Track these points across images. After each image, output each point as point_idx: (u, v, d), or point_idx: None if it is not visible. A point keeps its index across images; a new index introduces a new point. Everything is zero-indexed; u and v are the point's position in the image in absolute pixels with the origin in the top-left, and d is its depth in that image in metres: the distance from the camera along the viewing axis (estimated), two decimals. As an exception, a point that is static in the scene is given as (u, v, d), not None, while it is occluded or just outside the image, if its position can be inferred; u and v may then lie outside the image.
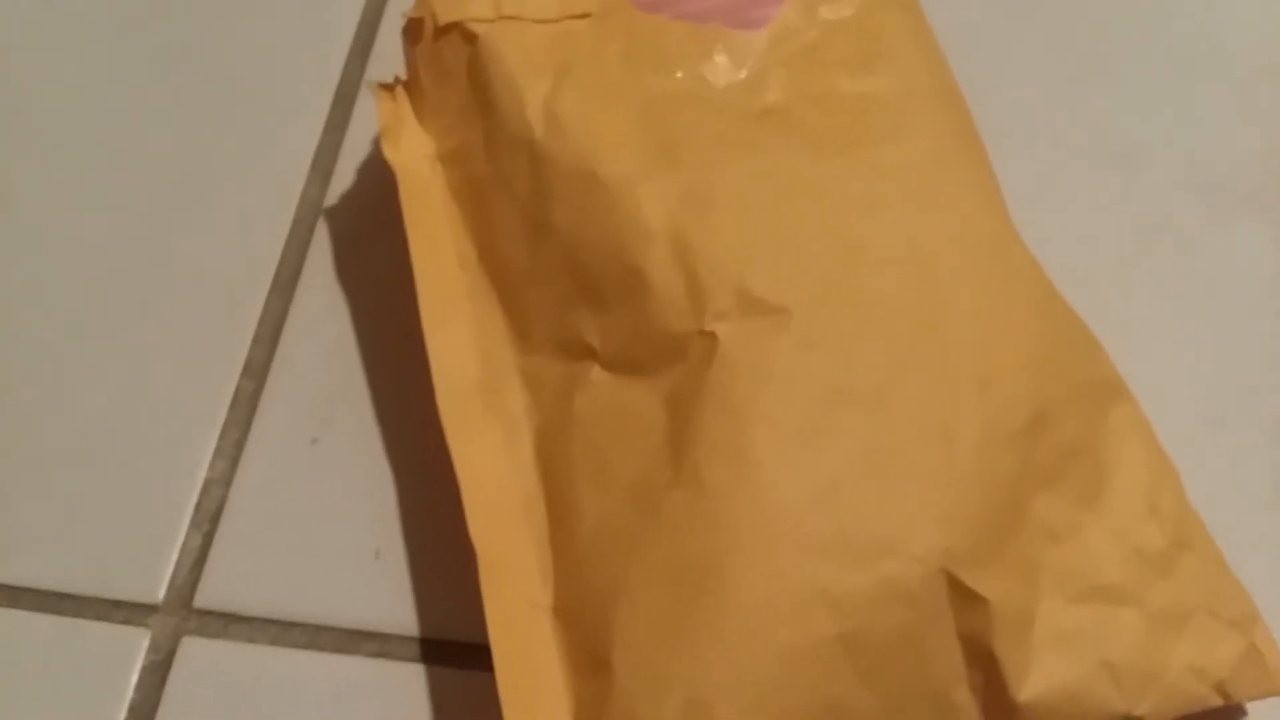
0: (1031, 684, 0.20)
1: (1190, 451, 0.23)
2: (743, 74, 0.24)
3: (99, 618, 0.25)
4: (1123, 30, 0.31)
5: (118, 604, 0.25)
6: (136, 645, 0.24)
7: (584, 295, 0.23)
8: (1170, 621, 0.21)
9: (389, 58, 0.32)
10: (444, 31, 0.25)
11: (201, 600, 0.25)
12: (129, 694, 0.24)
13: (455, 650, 0.24)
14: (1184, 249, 0.28)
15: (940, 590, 0.20)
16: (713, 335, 0.21)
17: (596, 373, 0.22)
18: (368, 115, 0.31)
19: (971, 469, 0.20)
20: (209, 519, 0.26)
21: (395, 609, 0.24)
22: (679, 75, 0.24)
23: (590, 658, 0.21)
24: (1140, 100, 0.30)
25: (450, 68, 0.25)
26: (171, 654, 0.24)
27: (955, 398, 0.21)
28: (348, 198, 0.30)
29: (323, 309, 0.28)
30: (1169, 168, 0.29)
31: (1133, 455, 0.22)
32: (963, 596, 0.20)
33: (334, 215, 0.30)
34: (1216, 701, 0.22)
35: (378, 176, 0.30)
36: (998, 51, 0.30)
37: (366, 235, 0.29)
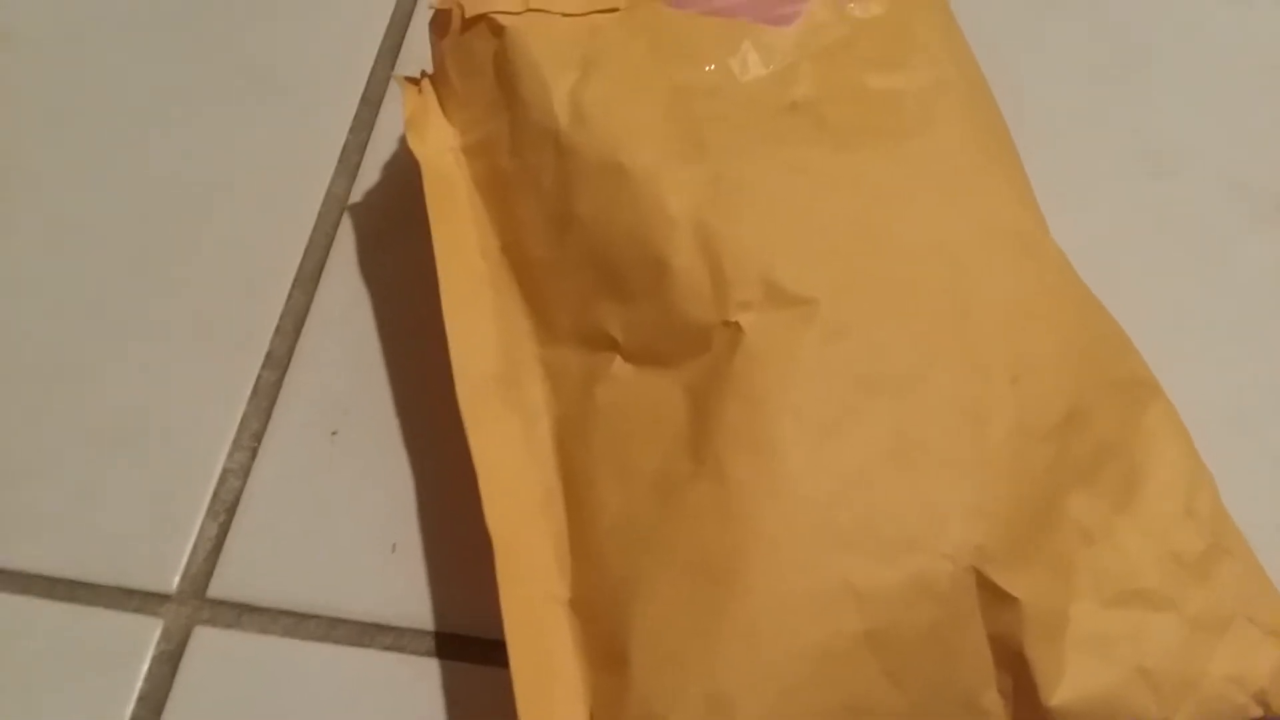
0: (1064, 689, 0.20)
1: (1221, 454, 0.23)
2: (770, 68, 0.24)
3: (111, 606, 0.25)
4: (1157, 30, 0.30)
5: (130, 592, 0.25)
6: (148, 634, 0.24)
7: (607, 286, 0.22)
8: (1209, 628, 0.21)
9: (418, 59, 0.32)
10: (471, 24, 0.25)
11: (216, 590, 0.25)
12: (139, 684, 0.24)
13: (471, 645, 0.24)
14: (1217, 253, 0.27)
15: (970, 589, 0.19)
16: (737, 326, 0.21)
17: (618, 364, 0.22)
18: (393, 115, 0.31)
19: (1004, 463, 0.20)
20: (226, 509, 0.26)
21: (411, 603, 0.24)
22: (707, 69, 0.24)
23: (608, 651, 0.20)
24: (1174, 102, 0.29)
25: (477, 60, 0.25)
26: (184, 644, 0.24)
27: (987, 389, 0.20)
28: (372, 195, 0.30)
29: (345, 303, 0.28)
30: (1203, 171, 0.28)
31: (1169, 456, 0.22)
32: (993, 596, 0.19)
33: (358, 212, 0.30)
34: (1255, 712, 0.21)
35: (402, 175, 0.30)
36: (1029, 52, 0.30)
37: (389, 232, 0.29)
